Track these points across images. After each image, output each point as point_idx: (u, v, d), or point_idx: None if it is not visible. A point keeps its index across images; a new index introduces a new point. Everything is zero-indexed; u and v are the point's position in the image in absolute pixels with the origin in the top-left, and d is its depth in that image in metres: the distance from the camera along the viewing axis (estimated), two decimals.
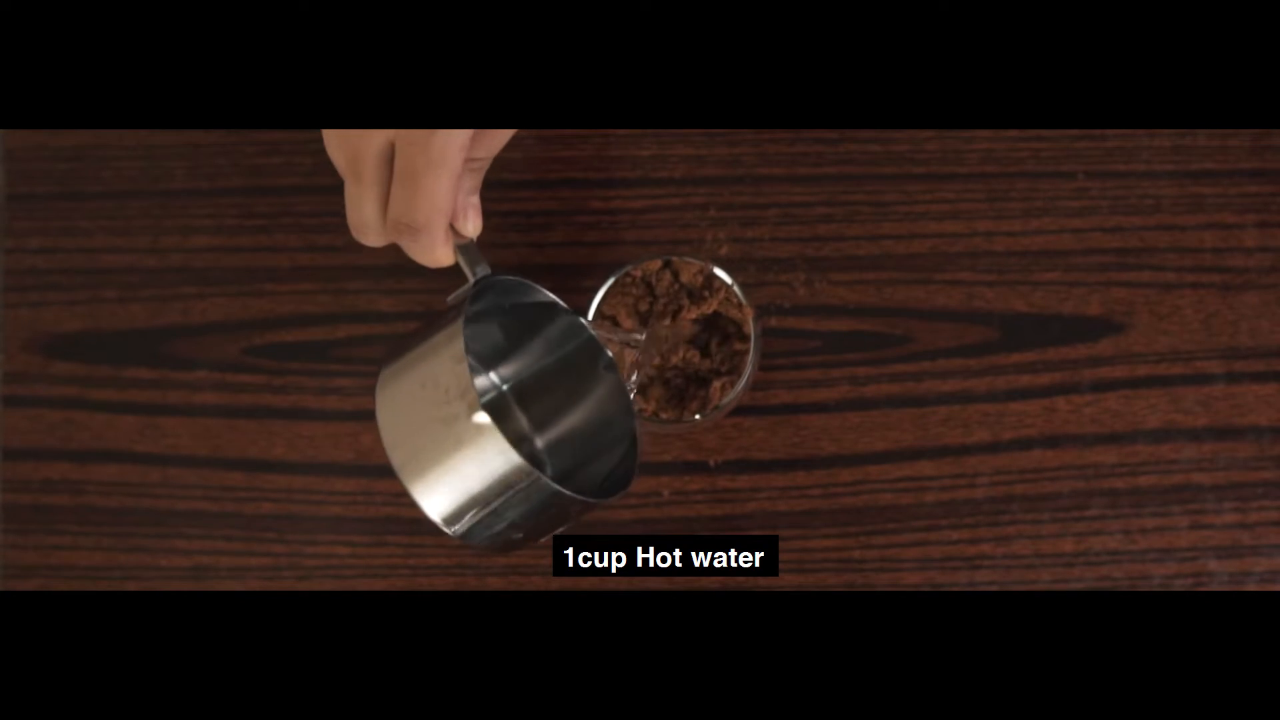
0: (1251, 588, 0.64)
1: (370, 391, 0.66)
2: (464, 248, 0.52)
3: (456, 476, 0.49)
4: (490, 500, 0.50)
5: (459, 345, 0.48)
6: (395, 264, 0.67)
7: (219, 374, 0.67)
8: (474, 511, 0.50)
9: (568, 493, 0.49)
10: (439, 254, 0.50)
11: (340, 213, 0.67)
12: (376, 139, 0.46)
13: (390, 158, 0.47)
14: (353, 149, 0.47)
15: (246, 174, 0.67)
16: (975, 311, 0.65)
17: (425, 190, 0.46)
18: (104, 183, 0.67)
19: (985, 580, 0.64)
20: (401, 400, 0.51)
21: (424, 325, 0.52)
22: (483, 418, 0.48)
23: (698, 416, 0.58)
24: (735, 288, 0.59)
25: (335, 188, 0.67)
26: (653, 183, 0.66)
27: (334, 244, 0.67)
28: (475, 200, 0.51)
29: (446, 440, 0.49)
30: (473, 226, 0.51)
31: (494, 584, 0.65)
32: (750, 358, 0.58)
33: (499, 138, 0.50)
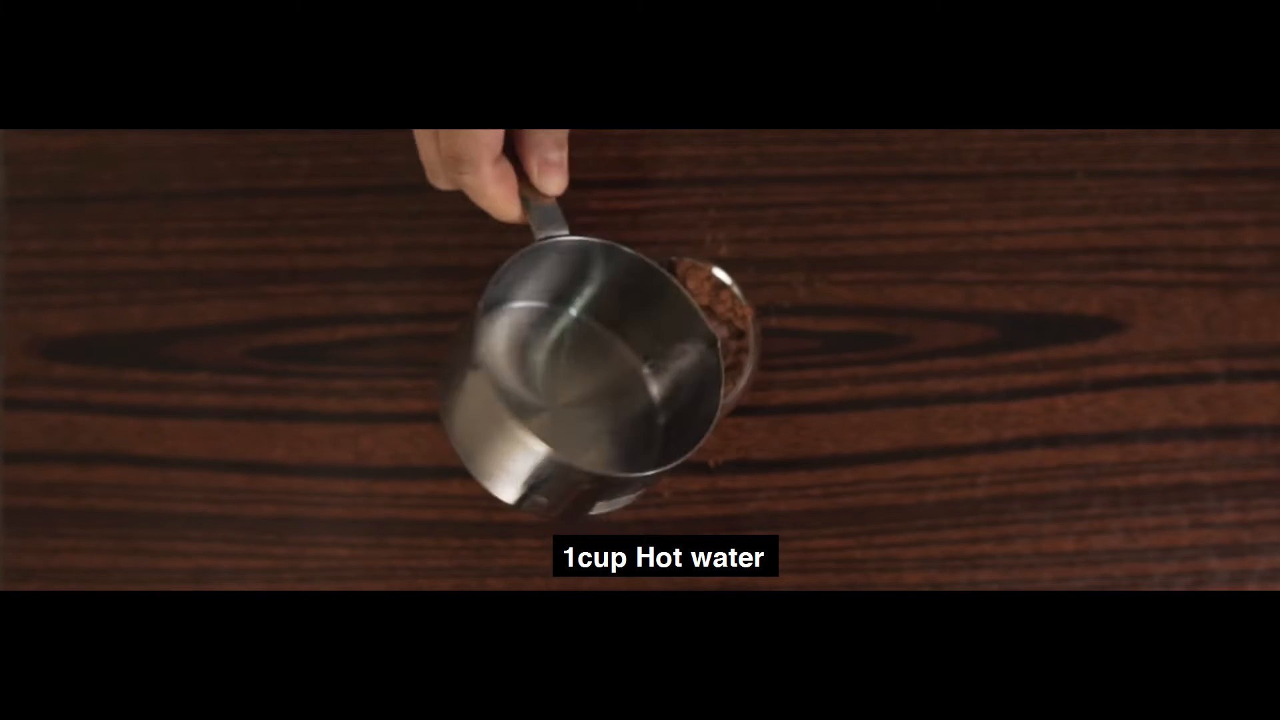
0: (1252, 586, 0.64)
1: (371, 393, 0.66)
2: (542, 208, 0.51)
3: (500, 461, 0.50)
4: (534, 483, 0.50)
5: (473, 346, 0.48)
6: (395, 265, 0.67)
7: (219, 376, 0.67)
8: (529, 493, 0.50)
9: (592, 472, 0.49)
10: (492, 195, 0.48)
11: (339, 214, 0.67)
12: None
13: None
14: None
15: (245, 176, 0.67)
16: (975, 311, 0.65)
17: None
18: (104, 185, 0.68)
19: (986, 580, 0.64)
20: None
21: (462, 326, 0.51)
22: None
23: None
24: (735, 288, 0.58)
25: (334, 189, 0.67)
26: (652, 183, 0.66)
27: (333, 245, 0.67)
28: (555, 157, 0.49)
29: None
30: (555, 185, 0.49)
31: (494, 584, 0.65)
32: (750, 358, 0.58)
33: None
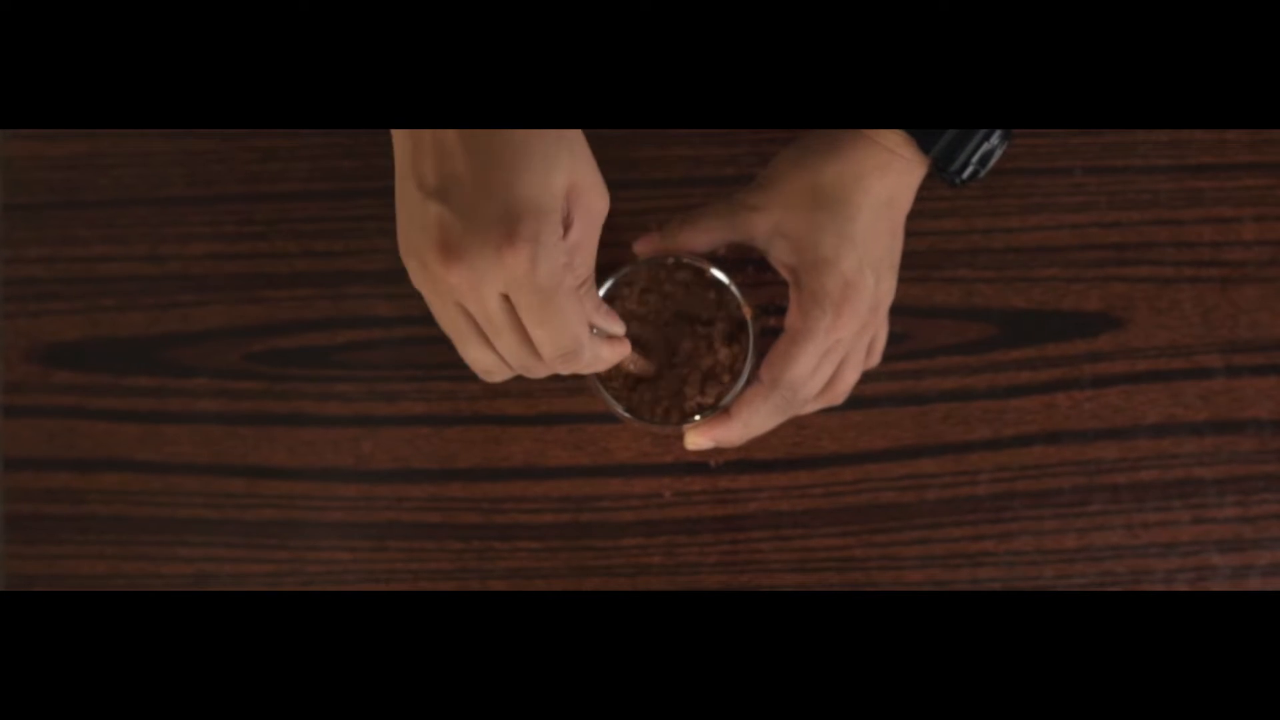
0: (1254, 581, 0.64)
1: (371, 397, 0.66)
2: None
3: None
4: None
5: None
6: (393, 269, 0.67)
7: (219, 381, 0.67)
8: None
9: None
10: (605, 356, 0.54)
11: (337, 218, 0.67)
12: (492, 300, 0.50)
13: (510, 308, 0.50)
14: (483, 312, 0.51)
15: (244, 180, 0.67)
16: (974, 308, 0.65)
17: (557, 318, 0.50)
18: (101, 191, 0.68)
19: (988, 577, 0.64)
20: None
21: None
22: None
23: (698, 417, 0.58)
24: (734, 288, 0.58)
25: (332, 193, 0.67)
26: (651, 184, 0.66)
27: (332, 249, 0.67)
28: (605, 308, 0.55)
29: None
30: (618, 325, 0.55)
31: (496, 586, 0.65)
32: (749, 358, 0.58)
33: (584, 255, 0.52)
